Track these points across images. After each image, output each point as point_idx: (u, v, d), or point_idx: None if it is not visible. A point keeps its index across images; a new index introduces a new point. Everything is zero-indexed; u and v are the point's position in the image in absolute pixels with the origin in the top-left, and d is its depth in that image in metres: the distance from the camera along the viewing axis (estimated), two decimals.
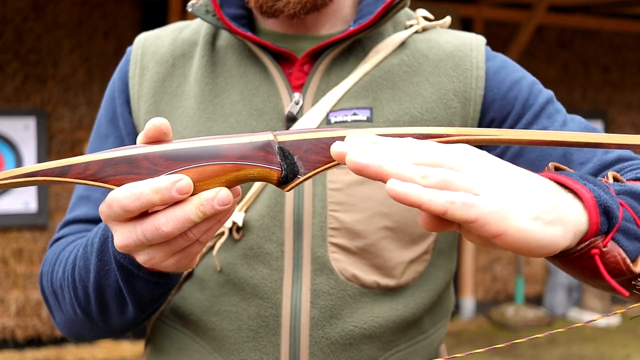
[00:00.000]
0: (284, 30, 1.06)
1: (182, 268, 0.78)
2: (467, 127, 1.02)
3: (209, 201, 0.67)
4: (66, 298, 0.97)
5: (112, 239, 0.84)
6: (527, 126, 1.01)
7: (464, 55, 1.05)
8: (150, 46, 1.09)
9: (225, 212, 0.70)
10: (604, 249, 0.68)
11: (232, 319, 1.00)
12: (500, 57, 1.08)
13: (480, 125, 1.04)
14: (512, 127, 1.02)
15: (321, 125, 1.00)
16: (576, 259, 0.69)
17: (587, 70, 6.77)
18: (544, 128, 1.00)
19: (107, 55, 5.28)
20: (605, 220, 0.69)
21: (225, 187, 0.69)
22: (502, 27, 6.24)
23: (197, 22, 1.12)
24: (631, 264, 0.69)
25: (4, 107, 5.05)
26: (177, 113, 1.04)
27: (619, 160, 0.97)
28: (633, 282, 0.71)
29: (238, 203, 1.00)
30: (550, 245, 0.65)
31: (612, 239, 0.69)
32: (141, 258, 0.72)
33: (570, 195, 0.69)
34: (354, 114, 1.00)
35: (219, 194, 0.67)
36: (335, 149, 0.66)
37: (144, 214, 0.69)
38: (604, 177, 0.78)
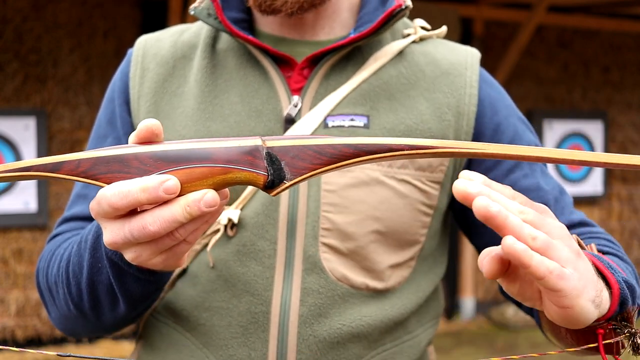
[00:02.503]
0: (284, 34, 1.08)
1: (170, 267, 0.80)
2: (460, 140, 1.05)
3: (195, 202, 0.69)
4: (60, 294, 0.99)
5: None
6: (511, 169, 1.07)
7: (459, 74, 1.08)
8: (151, 48, 1.11)
9: (212, 214, 0.72)
10: (607, 331, 0.77)
11: (222, 315, 1.01)
12: (496, 87, 1.12)
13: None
14: (494, 164, 1.07)
15: (319, 129, 1.02)
16: (581, 332, 0.78)
17: (587, 70, 6.77)
18: (525, 175, 1.07)
19: (107, 55, 5.28)
20: (618, 309, 0.77)
21: (213, 189, 0.70)
22: (502, 27, 6.24)
23: (198, 25, 1.13)
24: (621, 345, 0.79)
25: (4, 107, 5.05)
26: (176, 113, 1.06)
27: (581, 223, 1.06)
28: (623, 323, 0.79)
29: (233, 202, 1.02)
30: (587, 323, 0.72)
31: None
32: (129, 255, 0.74)
33: (602, 282, 0.76)
34: (352, 120, 1.02)
35: (205, 196, 0.69)
36: (461, 187, 0.67)
37: (132, 212, 0.71)
38: None
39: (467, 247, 6.17)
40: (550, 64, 6.59)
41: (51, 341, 5.21)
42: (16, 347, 5.01)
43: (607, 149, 6.73)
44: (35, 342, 5.18)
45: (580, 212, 1.08)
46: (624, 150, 6.93)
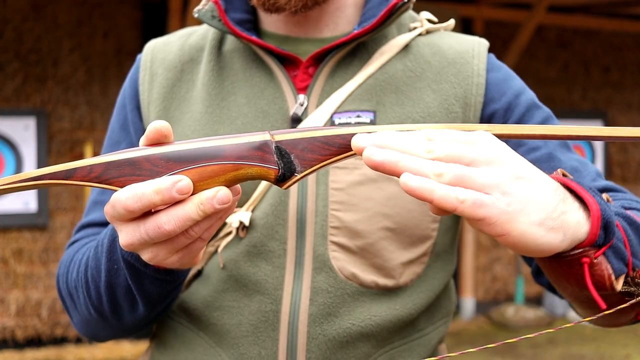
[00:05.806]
0: (288, 32, 1.08)
1: (186, 265, 0.81)
2: None
3: (208, 200, 0.70)
4: (80, 299, 1.00)
5: None
6: (516, 143, 1.04)
7: (466, 62, 1.06)
8: (159, 53, 1.12)
9: (226, 210, 0.73)
10: (595, 261, 0.74)
11: (233, 314, 1.02)
12: (504, 69, 1.10)
13: None
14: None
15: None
16: (566, 263, 0.75)
17: (587, 70, 6.77)
18: (532, 149, 1.03)
19: (107, 55, 5.29)
20: (603, 234, 0.74)
21: (225, 186, 0.71)
22: (502, 27, 6.25)
23: (204, 27, 1.14)
24: (614, 281, 0.75)
25: (4, 107, 5.05)
26: (185, 117, 1.07)
27: (606, 189, 1.01)
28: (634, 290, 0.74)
29: (243, 204, 1.02)
30: (548, 250, 0.70)
31: (603, 253, 0.74)
32: (146, 256, 0.75)
33: (576, 204, 0.73)
34: (358, 116, 1.02)
35: (218, 193, 0.70)
36: (356, 142, 0.69)
37: (147, 213, 0.72)
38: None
39: (467, 247, 6.17)
40: (550, 64, 6.60)
41: (51, 341, 5.21)
42: (16, 347, 5.01)
43: (607, 149, 6.74)
44: (35, 342, 5.18)
45: (608, 182, 1.02)
46: (624, 150, 6.93)
